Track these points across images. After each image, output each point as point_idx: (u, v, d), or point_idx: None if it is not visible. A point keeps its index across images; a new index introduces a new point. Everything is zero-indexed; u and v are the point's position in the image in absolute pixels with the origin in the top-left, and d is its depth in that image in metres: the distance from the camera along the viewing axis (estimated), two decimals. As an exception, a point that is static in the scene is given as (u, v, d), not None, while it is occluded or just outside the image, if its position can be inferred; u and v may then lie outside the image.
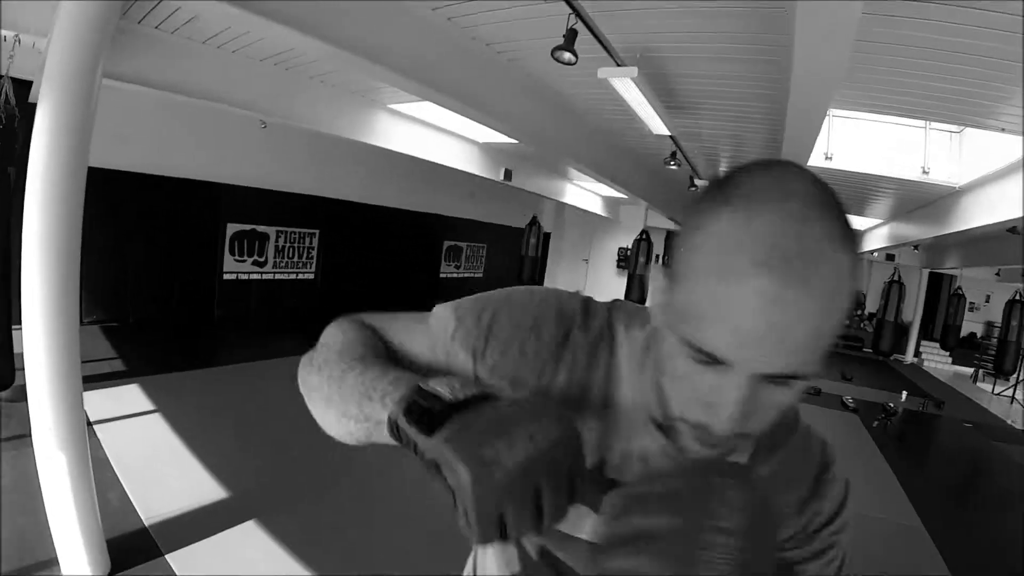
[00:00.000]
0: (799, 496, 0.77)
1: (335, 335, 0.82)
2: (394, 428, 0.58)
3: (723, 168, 8.73)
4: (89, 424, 4.11)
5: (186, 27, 4.73)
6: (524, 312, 0.78)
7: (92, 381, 4.87)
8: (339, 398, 0.68)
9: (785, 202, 0.54)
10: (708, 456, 0.63)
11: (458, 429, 0.52)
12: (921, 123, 6.25)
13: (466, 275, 14.92)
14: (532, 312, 0.78)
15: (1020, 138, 4.94)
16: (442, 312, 0.84)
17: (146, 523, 3.18)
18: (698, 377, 0.58)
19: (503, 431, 0.52)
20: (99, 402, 4.61)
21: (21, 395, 4.03)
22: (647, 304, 0.72)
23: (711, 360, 0.56)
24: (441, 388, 0.57)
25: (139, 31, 4.64)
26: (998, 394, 12.56)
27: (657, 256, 18.01)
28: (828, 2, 2.47)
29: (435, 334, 0.82)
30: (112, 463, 3.74)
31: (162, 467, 3.90)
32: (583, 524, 0.72)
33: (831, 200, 0.57)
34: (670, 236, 18.36)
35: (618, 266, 18.31)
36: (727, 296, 0.53)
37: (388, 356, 0.80)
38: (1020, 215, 5.51)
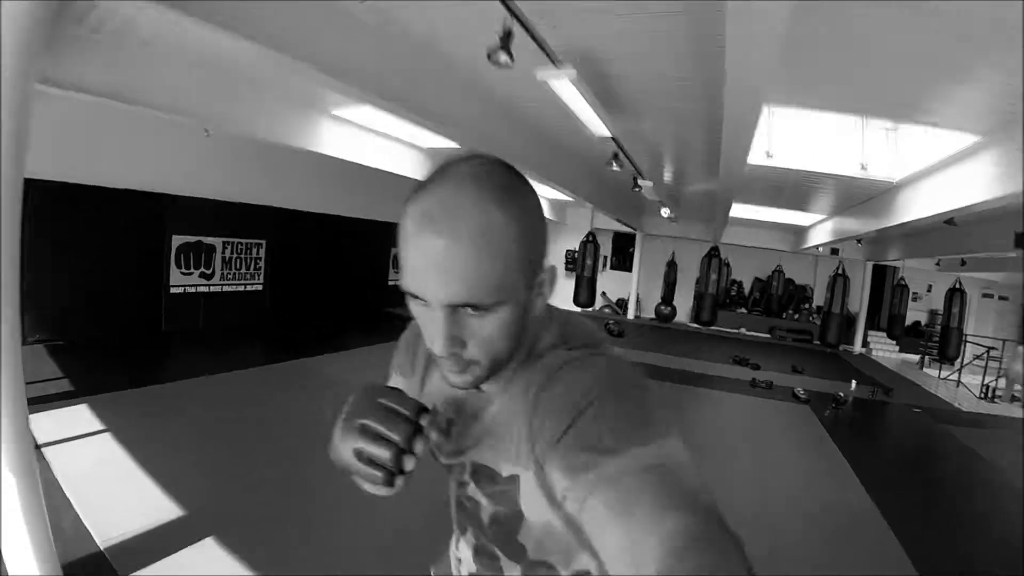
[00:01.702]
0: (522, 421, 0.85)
1: None
2: None
3: (667, 168, 8.90)
4: (37, 447, 3.97)
5: (122, 29, 4.59)
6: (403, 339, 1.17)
7: (38, 403, 4.70)
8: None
9: (443, 182, 0.74)
10: (463, 385, 0.83)
11: None
12: (858, 120, 6.44)
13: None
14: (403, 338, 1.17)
15: (952, 133, 5.14)
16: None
17: (101, 546, 3.09)
18: (420, 315, 0.78)
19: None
20: (46, 424, 4.46)
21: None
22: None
23: (415, 297, 0.75)
24: None
25: (73, 33, 4.47)
26: (944, 379, 13.00)
27: (605, 257, 18.18)
28: (757, 2, 2.53)
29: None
30: (63, 486, 3.62)
31: (115, 488, 3.80)
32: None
33: (496, 179, 0.75)
34: (617, 237, 18.59)
35: (566, 268, 18.35)
36: (407, 250, 0.73)
37: None
38: (956, 207, 5.72)
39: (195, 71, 5.45)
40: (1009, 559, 4.32)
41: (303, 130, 6.98)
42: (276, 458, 4.58)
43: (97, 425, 4.72)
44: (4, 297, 2.29)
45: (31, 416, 2.53)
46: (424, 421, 0.76)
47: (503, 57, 3.58)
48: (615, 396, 0.76)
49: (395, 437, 0.73)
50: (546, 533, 0.89)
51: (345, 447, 0.76)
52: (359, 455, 0.75)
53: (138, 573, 2.92)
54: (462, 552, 1.10)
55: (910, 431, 8.46)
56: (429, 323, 0.76)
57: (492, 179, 0.75)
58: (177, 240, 8.70)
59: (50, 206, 6.76)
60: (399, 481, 0.75)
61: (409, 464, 0.74)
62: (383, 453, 0.73)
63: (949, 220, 7.39)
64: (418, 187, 0.76)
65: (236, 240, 9.69)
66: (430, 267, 0.71)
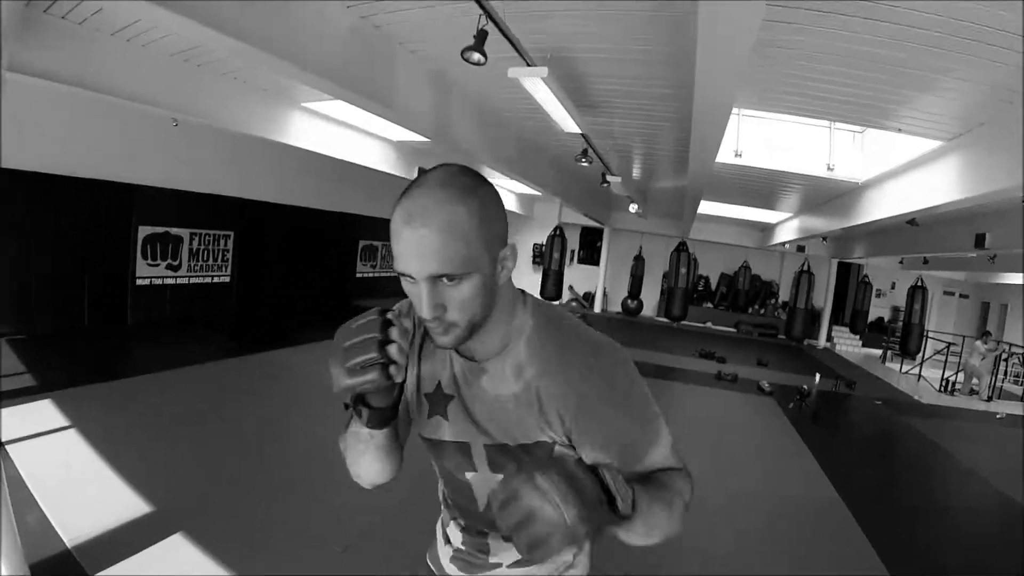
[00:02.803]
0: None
1: None
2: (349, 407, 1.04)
3: (636, 165, 9.02)
4: (0, 445, 3.91)
5: (94, 18, 4.51)
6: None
7: (1, 399, 4.62)
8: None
9: (419, 187, 0.94)
10: (448, 345, 1.02)
11: None
12: (826, 123, 6.58)
13: (382, 274, 14.92)
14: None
15: (916, 138, 5.27)
16: None
17: (68, 545, 3.05)
18: (410, 291, 0.98)
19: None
20: (9, 420, 4.38)
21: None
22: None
23: (405, 275, 0.95)
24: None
25: (44, 21, 4.39)
26: (906, 373, 13.29)
27: (572, 251, 18.29)
28: (729, 6, 2.57)
29: None
30: (28, 484, 3.55)
31: (81, 485, 3.74)
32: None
33: (457, 182, 0.95)
34: (585, 232, 18.71)
35: (534, 262, 18.37)
36: (397, 240, 0.93)
37: None
38: (918, 208, 5.87)
39: (163, 61, 5.37)
40: (967, 545, 4.48)
41: (273, 122, 6.92)
42: (243, 452, 4.56)
43: (62, 421, 4.63)
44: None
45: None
46: (390, 315, 0.94)
47: (476, 56, 3.60)
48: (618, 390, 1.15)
49: (369, 334, 0.91)
50: None
51: (340, 371, 0.91)
52: (352, 371, 0.90)
53: (107, 571, 2.89)
54: (452, 532, 1.32)
55: (872, 422, 8.69)
56: (416, 295, 0.96)
57: (454, 181, 0.95)
58: (144, 231, 8.57)
59: (11, 194, 6.62)
60: (394, 370, 0.92)
61: (393, 351, 0.91)
62: (367, 351, 0.90)
63: (911, 220, 7.58)
64: (403, 193, 0.96)
65: (204, 231, 9.58)
66: (414, 251, 0.92)
